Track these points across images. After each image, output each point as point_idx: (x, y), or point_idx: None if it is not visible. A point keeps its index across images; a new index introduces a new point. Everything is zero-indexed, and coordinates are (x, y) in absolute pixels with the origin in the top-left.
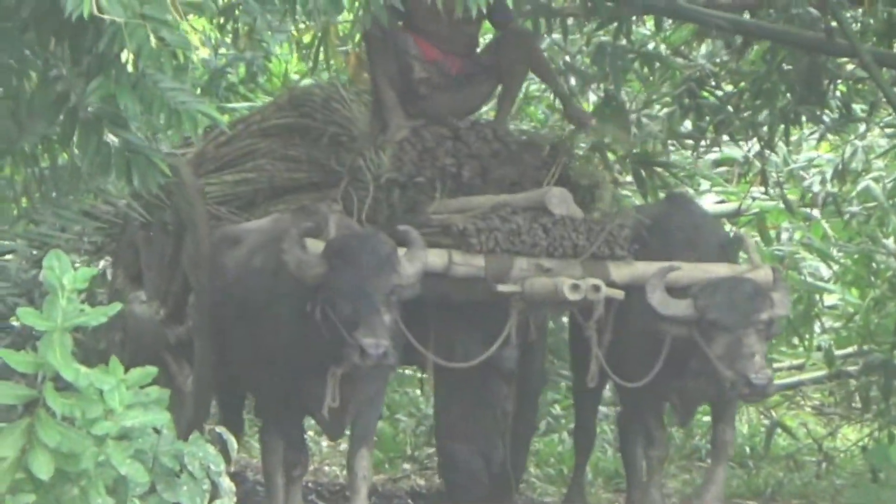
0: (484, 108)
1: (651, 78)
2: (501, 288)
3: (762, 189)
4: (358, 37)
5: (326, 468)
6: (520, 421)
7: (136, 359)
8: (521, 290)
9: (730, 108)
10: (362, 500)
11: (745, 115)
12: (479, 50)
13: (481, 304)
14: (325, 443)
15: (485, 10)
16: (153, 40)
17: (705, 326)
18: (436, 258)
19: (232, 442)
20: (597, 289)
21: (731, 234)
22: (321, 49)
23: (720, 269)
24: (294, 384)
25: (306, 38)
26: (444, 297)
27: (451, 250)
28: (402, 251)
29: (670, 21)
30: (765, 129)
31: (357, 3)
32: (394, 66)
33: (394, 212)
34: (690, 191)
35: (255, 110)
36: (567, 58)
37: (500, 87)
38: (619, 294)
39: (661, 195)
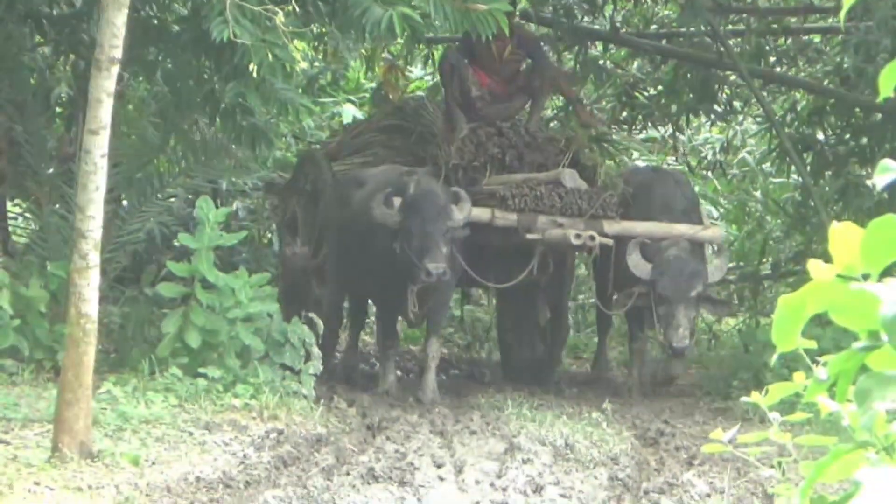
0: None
1: (599, 83)
2: (529, 236)
3: (674, 158)
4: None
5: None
6: (556, 326)
7: (291, 283)
8: (542, 238)
9: (652, 104)
10: (432, 373)
11: (663, 108)
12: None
13: (517, 247)
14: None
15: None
16: (270, 56)
17: (655, 294)
18: (483, 213)
19: (320, 324)
20: (592, 238)
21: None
22: (373, 58)
23: (682, 228)
24: (389, 293)
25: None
26: (491, 242)
27: (493, 209)
28: (454, 205)
29: (612, 45)
30: (675, 118)
31: (405, 31)
32: (458, 89)
33: (459, 185)
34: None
35: (374, 113)
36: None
37: (530, 101)
38: (609, 242)
39: (609, 161)
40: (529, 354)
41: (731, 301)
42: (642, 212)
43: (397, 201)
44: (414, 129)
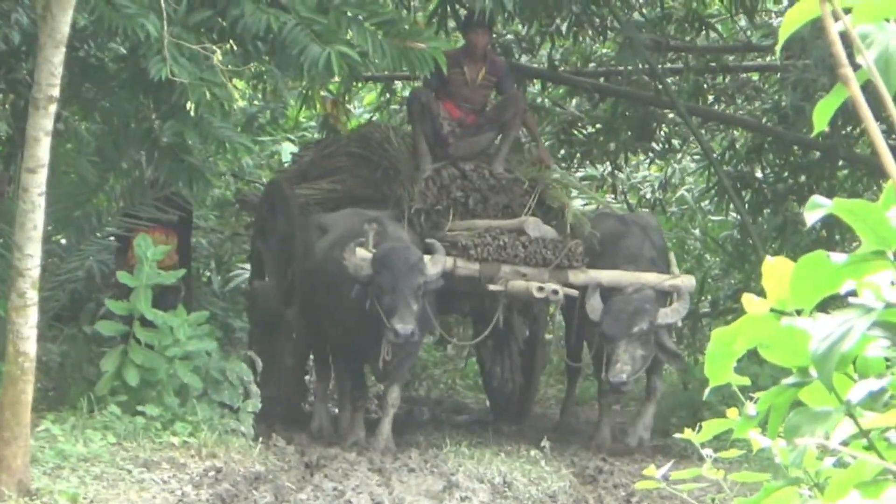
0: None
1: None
2: (491, 287)
3: (613, 196)
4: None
5: None
6: (533, 357)
7: (264, 315)
8: (504, 289)
9: (590, 142)
10: (389, 422)
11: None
12: (487, 108)
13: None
14: None
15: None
16: (208, 95)
17: (601, 333)
18: (446, 262)
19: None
20: (555, 292)
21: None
22: (311, 94)
23: (650, 277)
24: (358, 343)
25: (309, 93)
26: (454, 291)
27: (455, 258)
28: (428, 257)
29: (551, 83)
30: (614, 156)
31: (343, 69)
32: (429, 126)
33: (422, 230)
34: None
35: (343, 136)
36: None
37: (500, 136)
38: (574, 293)
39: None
40: (511, 387)
41: (682, 356)
42: (609, 260)
43: (364, 253)
44: (379, 164)
